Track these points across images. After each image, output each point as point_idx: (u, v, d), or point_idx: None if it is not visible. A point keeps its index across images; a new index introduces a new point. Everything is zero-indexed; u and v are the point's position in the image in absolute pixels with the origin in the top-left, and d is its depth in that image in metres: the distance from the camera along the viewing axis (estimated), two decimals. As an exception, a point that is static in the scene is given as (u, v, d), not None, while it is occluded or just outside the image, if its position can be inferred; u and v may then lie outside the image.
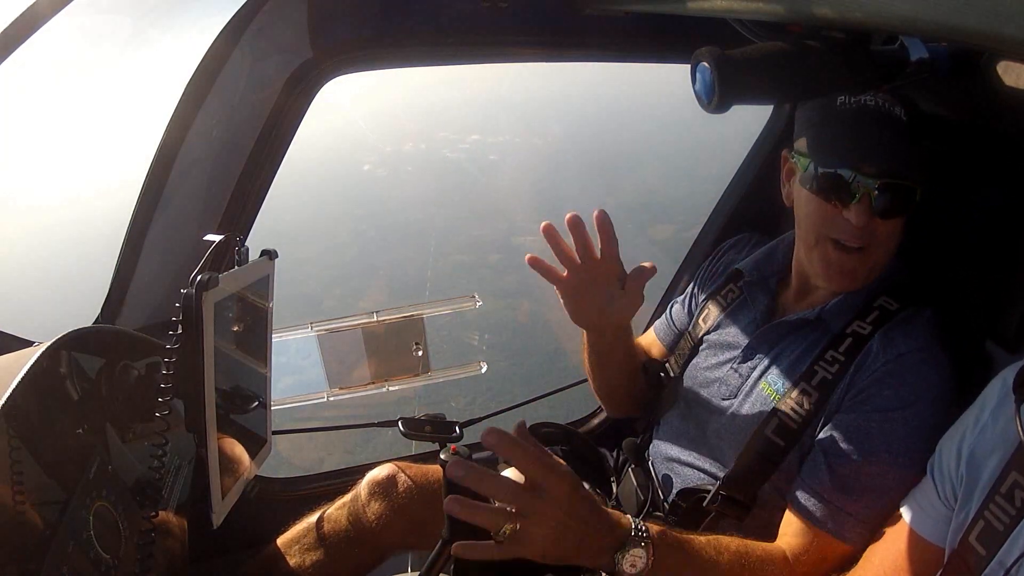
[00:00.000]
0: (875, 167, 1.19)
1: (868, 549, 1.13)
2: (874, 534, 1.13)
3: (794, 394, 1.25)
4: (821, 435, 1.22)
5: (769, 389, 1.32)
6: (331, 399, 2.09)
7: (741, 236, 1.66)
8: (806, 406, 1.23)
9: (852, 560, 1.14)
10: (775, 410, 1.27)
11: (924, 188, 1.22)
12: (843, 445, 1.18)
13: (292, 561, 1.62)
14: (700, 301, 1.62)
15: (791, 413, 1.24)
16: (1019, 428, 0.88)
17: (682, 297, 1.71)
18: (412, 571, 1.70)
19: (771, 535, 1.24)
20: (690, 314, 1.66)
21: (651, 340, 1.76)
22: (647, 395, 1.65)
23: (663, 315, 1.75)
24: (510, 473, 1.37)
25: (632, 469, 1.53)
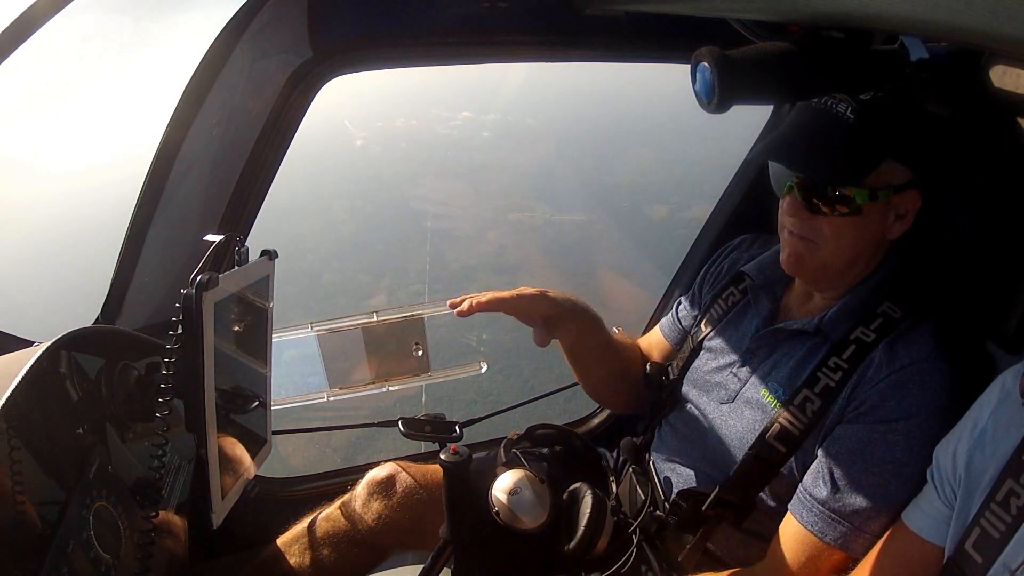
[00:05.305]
0: (796, 165, 1.24)
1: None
2: (876, 543, 1.13)
3: (796, 401, 1.25)
4: (823, 445, 1.22)
5: (769, 396, 1.32)
6: (331, 399, 2.09)
7: (745, 237, 1.66)
8: (808, 413, 1.23)
9: (850, 565, 1.14)
10: (777, 416, 1.27)
11: (874, 193, 1.19)
12: (845, 456, 1.18)
13: (292, 561, 1.62)
14: (704, 302, 1.62)
15: (793, 420, 1.24)
16: None
17: (687, 296, 1.71)
18: (412, 571, 1.70)
19: (769, 541, 1.25)
20: (694, 315, 1.66)
21: (657, 339, 1.75)
22: (646, 394, 1.66)
23: (669, 314, 1.75)
24: (509, 475, 1.37)
25: (632, 469, 1.53)
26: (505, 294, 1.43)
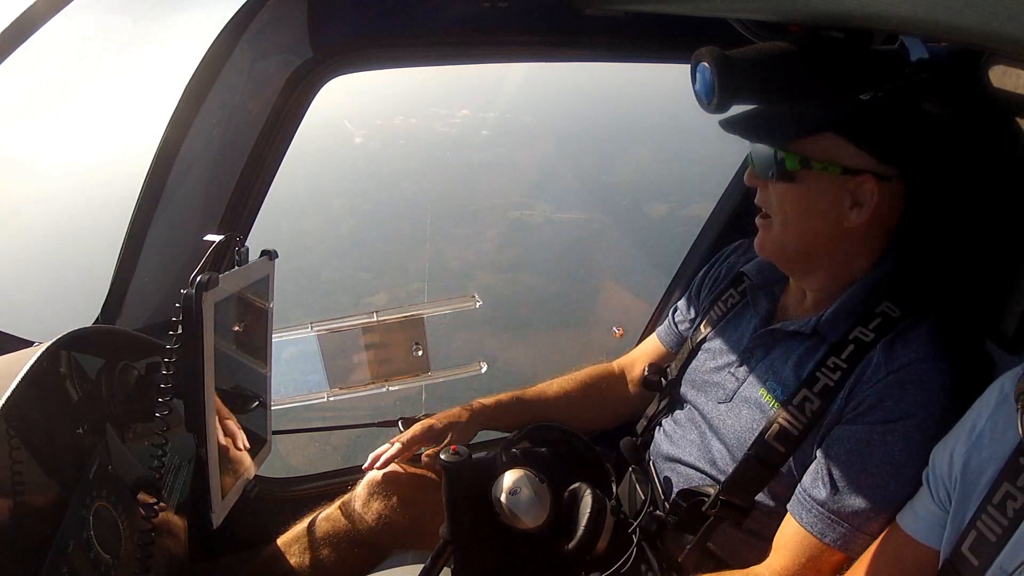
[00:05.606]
0: (735, 127, 1.28)
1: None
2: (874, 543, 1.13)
3: (795, 401, 1.25)
4: (822, 446, 1.21)
5: (767, 396, 1.32)
6: (331, 399, 2.09)
7: (742, 241, 1.66)
8: (807, 413, 1.23)
9: (848, 567, 1.14)
10: (776, 416, 1.26)
11: (807, 161, 1.20)
12: (844, 456, 1.17)
13: (292, 561, 1.62)
14: (703, 306, 1.62)
15: (792, 420, 1.24)
16: (1022, 432, 0.88)
17: (684, 301, 1.72)
18: (412, 571, 1.70)
19: (769, 540, 1.25)
20: (692, 319, 1.66)
21: (654, 345, 1.77)
22: (632, 407, 1.71)
23: (666, 321, 1.76)
24: (509, 475, 1.37)
25: (632, 469, 1.53)
26: (393, 450, 1.61)
